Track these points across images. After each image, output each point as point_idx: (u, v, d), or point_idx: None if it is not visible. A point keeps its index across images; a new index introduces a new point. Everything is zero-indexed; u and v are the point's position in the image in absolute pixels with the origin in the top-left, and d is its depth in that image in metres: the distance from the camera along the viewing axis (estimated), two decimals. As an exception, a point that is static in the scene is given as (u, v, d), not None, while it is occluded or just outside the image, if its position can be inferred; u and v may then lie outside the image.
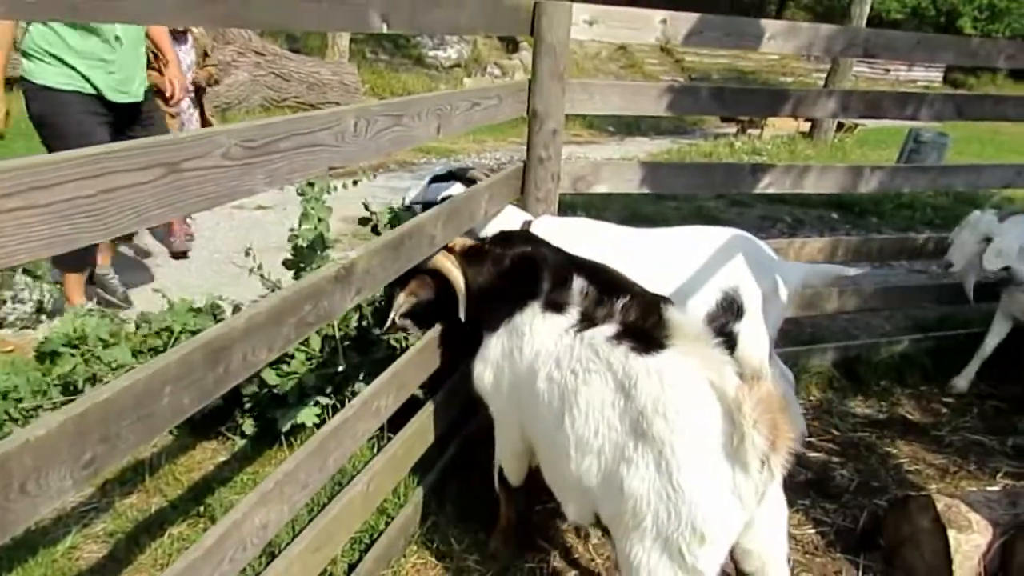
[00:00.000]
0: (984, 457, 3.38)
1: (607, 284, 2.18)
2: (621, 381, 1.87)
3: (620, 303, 2.06)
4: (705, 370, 1.78)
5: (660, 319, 1.94)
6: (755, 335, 2.93)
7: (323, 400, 3.11)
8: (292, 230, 3.29)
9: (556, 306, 2.17)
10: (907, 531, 2.60)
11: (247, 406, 3.18)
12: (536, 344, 2.16)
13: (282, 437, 3.13)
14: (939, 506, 2.50)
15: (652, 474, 1.75)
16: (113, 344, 3.31)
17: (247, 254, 3.41)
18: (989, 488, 3.00)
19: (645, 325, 1.95)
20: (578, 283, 2.19)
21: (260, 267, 3.44)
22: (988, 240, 3.63)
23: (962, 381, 3.99)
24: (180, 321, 3.37)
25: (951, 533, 2.43)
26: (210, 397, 1.48)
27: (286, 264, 3.31)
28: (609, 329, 1.99)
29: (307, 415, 3.08)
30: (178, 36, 5.33)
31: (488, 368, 2.33)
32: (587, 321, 2.08)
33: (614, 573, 2.58)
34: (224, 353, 1.49)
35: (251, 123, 1.52)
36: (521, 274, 2.34)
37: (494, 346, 2.31)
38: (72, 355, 3.22)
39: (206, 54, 5.82)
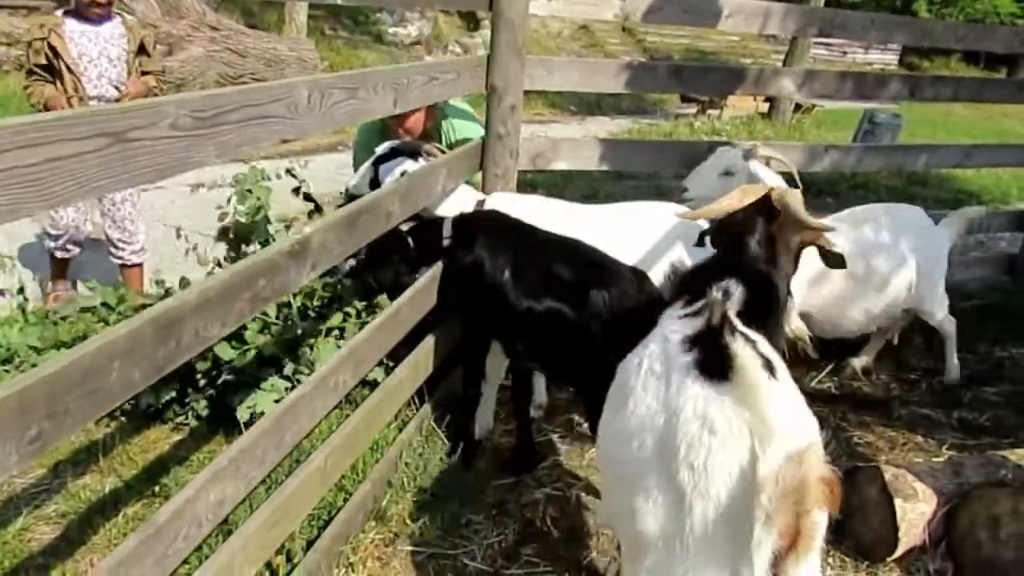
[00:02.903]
0: (931, 430, 3.46)
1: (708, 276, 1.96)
2: (670, 401, 1.58)
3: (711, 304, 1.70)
4: (752, 429, 1.42)
5: (728, 344, 1.56)
6: None
7: (280, 383, 3.05)
8: (219, 207, 3.27)
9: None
10: (856, 501, 2.65)
11: (201, 384, 3.12)
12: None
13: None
14: (887, 476, 2.57)
15: (662, 520, 1.53)
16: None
17: (178, 235, 3.39)
18: (935, 459, 3.08)
19: (717, 343, 1.59)
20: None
21: (195, 247, 3.40)
22: (729, 174, 3.22)
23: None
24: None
25: (897, 502, 2.49)
26: (161, 372, 1.46)
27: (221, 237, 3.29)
28: (688, 328, 1.71)
29: (265, 400, 2.97)
30: (93, 14, 3.97)
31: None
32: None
33: (572, 545, 2.61)
34: (175, 328, 1.47)
35: (200, 93, 1.49)
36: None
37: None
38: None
39: (144, 50, 4.18)
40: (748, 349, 1.52)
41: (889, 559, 2.54)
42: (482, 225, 2.78)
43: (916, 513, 2.50)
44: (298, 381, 3.03)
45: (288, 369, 3.09)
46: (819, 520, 1.42)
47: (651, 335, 1.84)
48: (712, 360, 1.56)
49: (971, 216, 3.91)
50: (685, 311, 1.83)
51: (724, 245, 2.26)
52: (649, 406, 1.63)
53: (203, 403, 3.13)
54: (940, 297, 3.69)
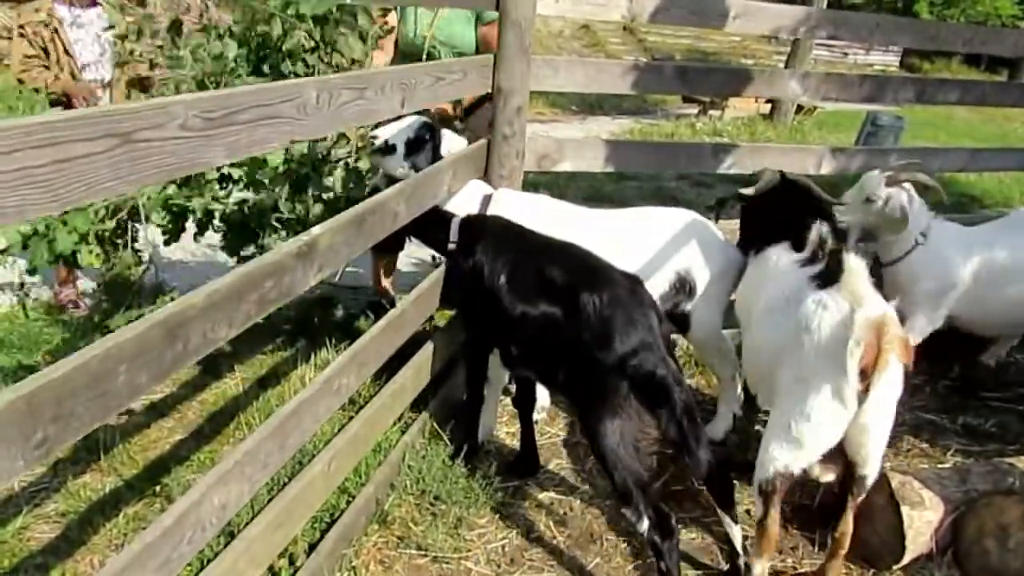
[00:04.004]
0: (936, 435, 3.45)
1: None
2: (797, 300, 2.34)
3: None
4: (851, 301, 2.08)
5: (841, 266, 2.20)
6: (705, 314, 3.00)
7: None
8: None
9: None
10: (862, 508, 2.64)
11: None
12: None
13: (239, 416, 3.09)
14: (893, 483, 2.55)
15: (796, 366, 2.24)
16: None
17: None
18: (941, 466, 3.07)
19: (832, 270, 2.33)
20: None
21: None
22: (869, 201, 3.24)
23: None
24: None
25: (904, 509, 2.48)
26: (168, 375, 1.45)
27: None
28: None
29: None
30: (79, 0, 4.02)
31: None
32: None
33: (576, 550, 2.60)
34: (182, 330, 1.45)
35: (210, 93, 1.48)
36: None
37: None
38: None
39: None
40: (858, 263, 2.13)
41: (896, 567, 2.52)
42: (483, 230, 2.76)
43: (923, 521, 2.49)
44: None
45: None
46: (893, 360, 2.04)
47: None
48: (828, 274, 2.35)
49: None
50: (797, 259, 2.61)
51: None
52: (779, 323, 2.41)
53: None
54: None
